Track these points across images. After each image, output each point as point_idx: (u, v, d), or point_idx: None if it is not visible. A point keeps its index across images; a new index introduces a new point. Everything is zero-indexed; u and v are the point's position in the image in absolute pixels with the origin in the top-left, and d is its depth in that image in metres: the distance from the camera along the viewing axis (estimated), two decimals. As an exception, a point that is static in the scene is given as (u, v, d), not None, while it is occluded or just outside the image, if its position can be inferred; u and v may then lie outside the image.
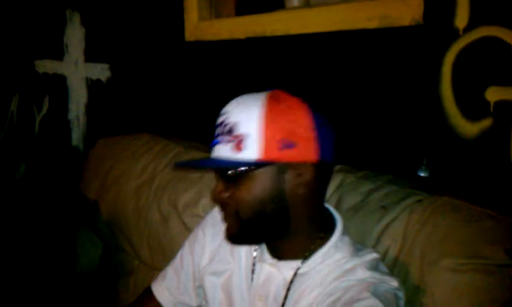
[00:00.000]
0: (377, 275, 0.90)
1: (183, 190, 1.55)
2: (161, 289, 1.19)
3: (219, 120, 0.94)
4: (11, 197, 2.53)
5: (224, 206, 0.96)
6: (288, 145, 0.89)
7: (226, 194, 0.94)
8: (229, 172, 0.91)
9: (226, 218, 0.96)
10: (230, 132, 0.90)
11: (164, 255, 1.52)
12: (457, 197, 1.07)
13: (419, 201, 1.09)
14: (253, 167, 0.90)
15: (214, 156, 0.93)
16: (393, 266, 1.04)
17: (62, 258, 1.95)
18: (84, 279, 1.89)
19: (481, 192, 1.18)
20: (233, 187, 0.92)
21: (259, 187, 0.91)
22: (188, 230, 1.40)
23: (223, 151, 0.91)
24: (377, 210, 1.12)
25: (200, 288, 1.14)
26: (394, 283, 0.90)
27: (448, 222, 1.01)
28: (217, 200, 0.96)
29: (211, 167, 0.95)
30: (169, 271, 1.20)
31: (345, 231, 1.00)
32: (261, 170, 0.90)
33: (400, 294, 0.90)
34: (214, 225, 1.14)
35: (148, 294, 1.21)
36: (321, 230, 0.97)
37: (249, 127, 0.89)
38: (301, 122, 0.90)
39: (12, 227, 2.19)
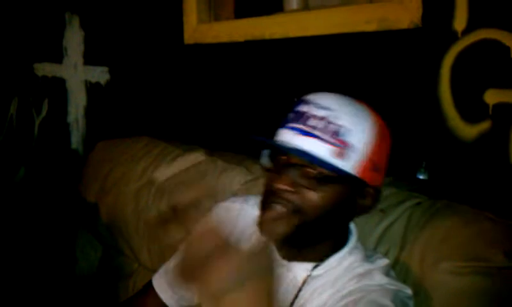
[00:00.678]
0: (393, 282, 0.91)
1: (181, 194, 1.54)
2: (162, 283, 1.18)
3: (318, 113, 0.88)
4: (10, 201, 2.53)
5: (284, 199, 0.89)
6: (376, 168, 0.91)
7: (294, 189, 0.89)
8: (325, 174, 0.87)
9: (278, 212, 0.89)
10: (335, 134, 0.87)
11: (164, 258, 1.51)
12: (456, 200, 1.07)
13: (418, 204, 1.09)
14: (343, 178, 0.88)
15: (305, 148, 0.87)
16: (393, 268, 1.04)
17: (61, 261, 1.95)
18: (84, 282, 1.89)
19: (480, 195, 1.18)
20: (306, 187, 0.89)
21: (335, 197, 0.90)
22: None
23: (320, 149, 0.87)
24: (376, 213, 1.12)
25: None
26: (408, 291, 0.90)
27: (447, 224, 1.01)
28: (283, 191, 0.89)
29: (308, 160, 0.87)
30: (171, 265, 1.19)
31: (359, 238, 1.00)
32: (347, 183, 0.90)
33: (411, 304, 0.90)
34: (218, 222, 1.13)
35: (149, 288, 1.20)
36: (341, 237, 0.97)
37: (360, 140, 0.88)
38: (387, 149, 0.95)
39: (12, 230, 2.19)
